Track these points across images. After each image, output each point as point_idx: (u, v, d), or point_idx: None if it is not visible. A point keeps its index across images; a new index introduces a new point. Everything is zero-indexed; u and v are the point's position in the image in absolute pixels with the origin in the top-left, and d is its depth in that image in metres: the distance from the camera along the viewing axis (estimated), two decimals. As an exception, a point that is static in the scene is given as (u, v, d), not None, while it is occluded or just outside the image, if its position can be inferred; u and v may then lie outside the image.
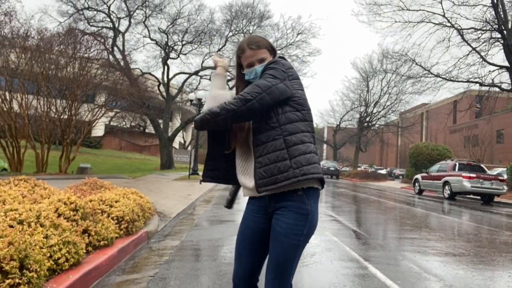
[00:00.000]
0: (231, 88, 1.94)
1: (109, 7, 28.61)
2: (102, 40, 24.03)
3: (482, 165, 18.42)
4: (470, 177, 16.10)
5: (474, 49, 19.37)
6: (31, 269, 2.62)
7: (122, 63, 26.90)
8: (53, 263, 3.08)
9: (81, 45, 19.28)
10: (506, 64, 18.78)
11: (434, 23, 20.24)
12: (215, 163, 2.01)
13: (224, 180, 2.03)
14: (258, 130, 1.84)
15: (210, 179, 2.03)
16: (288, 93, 1.81)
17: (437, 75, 21.02)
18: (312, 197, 1.85)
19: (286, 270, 1.81)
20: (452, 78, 20.51)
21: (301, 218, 1.80)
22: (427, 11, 20.13)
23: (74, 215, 3.99)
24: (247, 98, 1.73)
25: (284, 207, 1.82)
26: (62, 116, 17.62)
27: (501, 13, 18.09)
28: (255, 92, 1.74)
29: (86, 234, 3.96)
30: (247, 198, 2.02)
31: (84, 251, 3.64)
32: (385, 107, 42.43)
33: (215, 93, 1.93)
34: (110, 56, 26.16)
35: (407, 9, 20.59)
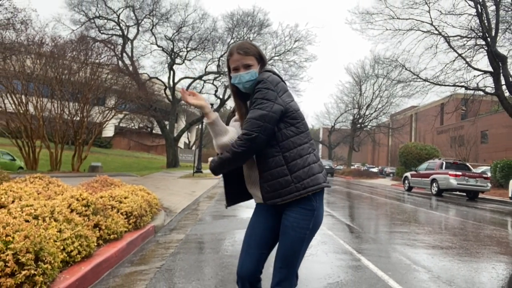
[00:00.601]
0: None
1: (118, 16, 28.63)
2: (112, 47, 24.05)
3: (467, 164, 18.42)
4: (456, 175, 16.11)
5: (460, 55, 19.35)
6: (45, 261, 2.62)
7: (130, 68, 26.89)
8: (66, 255, 3.08)
9: (92, 51, 19.31)
10: (490, 69, 18.76)
11: (422, 31, 20.22)
12: (232, 187, 2.05)
13: (246, 196, 2.05)
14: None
15: (234, 202, 2.07)
16: (283, 110, 1.79)
17: (426, 80, 21.00)
18: (318, 195, 1.86)
19: (293, 261, 1.85)
20: (439, 82, 20.49)
21: (308, 213, 1.83)
22: (416, 20, 20.13)
23: (86, 211, 3.99)
24: (252, 136, 1.72)
25: (294, 206, 1.84)
26: (74, 118, 17.64)
27: (485, 21, 18.07)
28: (257, 127, 1.72)
29: (97, 228, 3.95)
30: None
31: (95, 244, 3.64)
32: (377, 109, 42.44)
33: (220, 143, 1.85)
34: (120, 62, 26.16)
35: (398, 18, 20.58)
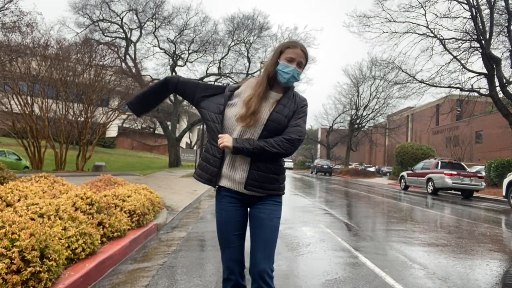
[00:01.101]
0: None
1: (122, 19, 28.64)
2: (116, 49, 24.03)
3: (462, 163, 18.42)
4: (451, 174, 16.11)
5: (455, 57, 19.34)
6: (50, 258, 2.62)
7: (133, 70, 26.90)
8: (70, 252, 3.08)
9: (96, 53, 19.31)
10: (484, 71, 18.75)
11: (418, 34, 20.20)
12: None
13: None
14: (270, 136, 1.89)
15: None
16: None
17: (421, 81, 20.98)
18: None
19: (272, 249, 1.93)
20: (435, 84, 20.47)
21: (279, 205, 1.99)
22: (412, 23, 20.09)
23: (90, 209, 3.99)
24: (298, 143, 1.90)
25: (265, 199, 1.95)
26: (79, 119, 17.63)
27: (480, 24, 18.06)
28: (302, 136, 1.90)
29: (101, 226, 3.95)
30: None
31: (99, 241, 3.64)
32: (374, 110, 42.40)
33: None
34: (123, 64, 26.17)
35: (394, 21, 20.55)
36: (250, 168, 1.88)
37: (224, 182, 1.94)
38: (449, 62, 19.80)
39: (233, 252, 1.97)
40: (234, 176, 1.91)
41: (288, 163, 56.40)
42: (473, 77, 19.72)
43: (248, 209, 2.01)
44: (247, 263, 1.98)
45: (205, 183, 1.97)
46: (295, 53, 1.91)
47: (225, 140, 1.84)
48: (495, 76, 18.31)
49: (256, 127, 1.87)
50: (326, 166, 39.93)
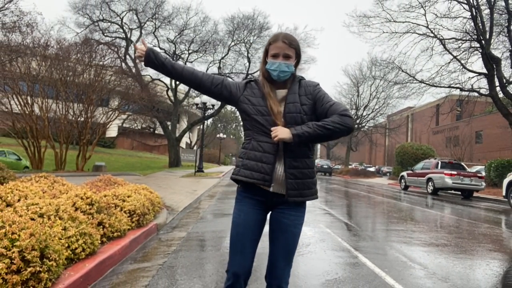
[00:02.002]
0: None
1: (121, 19, 28.64)
2: (116, 49, 24.02)
3: (462, 163, 18.41)
4: (451, 174, 16.10)
5: (455, 57, 19.33)
6: (50, 258, 2.61)
7: (133, 70, 26.89)
8: (70, 252, 3.08)
9: (96, 53, 19.31)
10: (484, 71, 18.75)
11: (418, 34, 20.20)
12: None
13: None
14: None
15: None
16: None
17: (421, 81, 20.98)
18: None
19: (293, 255, 1.90)
20: (435, 84, 20.47)
21: (302, 211, 1.92)
22: (412, 23, 20.09)
23: (90, 209, 3.99)
24: (349, 115, 1.78)
25: (289, 203, 1.87)
26: (79, 119, 17.64)
27: (480, 24, 18.06)
28: (345, 108, 1.81)
29: (101, 226, 3.95)
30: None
31: (99, 241, 3.64)
32: (374, 110, 42.39)
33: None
34: (123, 64, 26.17)
35: (394, 21, 20.55)
36: (286, 178, 1.79)
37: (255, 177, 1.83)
38: (449, 62, 19.81)
39: (245, 258, 1.85)
40: (278, 179, 1.82)
41: None
42: (473, 77, 19.74)
43: (269, 213, 1.93)
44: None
45: (257, 183, 1.82)
46: (277, 48, 1.86)
47: (279, 132, 1.73)
48: (495, 76, 18.31)
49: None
50: (326, 166, 39.92)
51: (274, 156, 1.80)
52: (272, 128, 1.77)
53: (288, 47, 1.87)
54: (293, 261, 1.91)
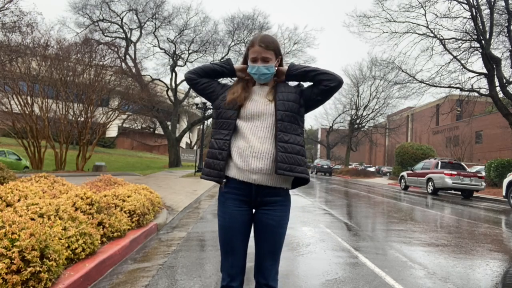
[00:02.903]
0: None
1: (122, 19, 28.65)
2: (116, 49, 24.02)
3: (462, 163, 18.41)
4: (451, 174, 16.10)
5: (455, 57, 19.34)
6: (50, 258, 2.61)
7: (133, 70, 26.90)
8: (70, 252, 3.08)
9: (96, 53, 19.33)
10: (484, 71, 18.75)
11: (418, 34, 20.20)
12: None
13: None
14: (287, 119, 1.85)
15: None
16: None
17: (421, 81, 20.99)
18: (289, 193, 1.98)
19: (279, 254, 1.92)
20: (435, 84, 20.48)
21: (287, 210, 1.93)
22: (412, 23, 20.09)
23: (90, 209, 3.99)
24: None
25: (273, 203, 1.87)
26: (79, 119, 17.64)
27: (480, 24, 18.07)
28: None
29: (101, 226, 3.95)
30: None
31: (99, 241, 3.64)
32: (374, 110, 42.42)
33: None
34: (123, 64, 26.16)
35: (394, 21, 20.56)
36: (277, 151, 1.79)
37: (235, 174, 1.84)
38: (449, 62, 19.82)
39: (236, 259, 1.87)
40: (257, 165, 1.80)
41: None
42: (473, 77, 19.75)
43: (253, 210, 1.92)
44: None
45: (213, 180, 1.87)
46: (254, 52, 1.90)
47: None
48: (495, 76, 18.32)
49: (265, 119, 1.86)
50: (326, 166, 39.94)
51: (227, 152, 1.84)
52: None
53: (265, 50, 1.89)
54: (279, 259, 1.93)
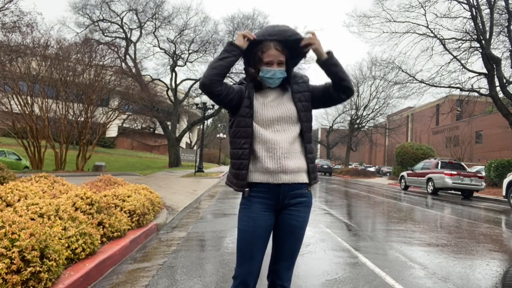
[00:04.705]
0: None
1: (122, 19, 28.64)
2: (116, 49, 24.03)
3: (462, 163, 18.41)
4: (451, 174, 16.10)
5: (455, 57, 19.34)
6: (50, 258, 2.62)
7: (133, 70, 26.89)
8: (70, 252, 3.09)
9: (96, 53, 19.33)
10: (484, 71, 18.75)
11: (418, 34, 20.20)
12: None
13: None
14: (308, 129, 1.91)
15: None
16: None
17: (421, 81, 20.98)
18: None
19: (297, 255, 1.93)
20: (435, 84, 20.48)
21: (309, 211, 1.94)
22: (412, 23, 20.09)
23: (90, 209, 3.99)
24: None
25: (299, 203, 1.88)
26: (79, 119, 17.64)
27: (480, 24, 18.07)
28: None
29: (101, 226, 3.95)
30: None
31: (99, 241, 3.64)
32: (374, 110, 42.39)
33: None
34: (123, 64, 26.16)
35: (394, 21, 20.56)
36: (307, 163, 1.88)
37: (260, 178, 1.82)
38: (449, 62, 19.82)
39: (253, 266, 1.83)
40: (297, 164, 1.83)
41: None
42: (473, 77, 19.74)
43: (277, 213, 1.90)
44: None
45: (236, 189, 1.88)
46: (270, 56, 1.83)
47: (318, 43, 1.86)
48: (495, 76, 18.31)
49: (286, 122, 1.85)
50: (326, 166, 39.92)
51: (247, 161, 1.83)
52: (311, 33, 1.84)
53: (281, 53, 1.85)
54: (295, 262, 1.95)
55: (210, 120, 51.41)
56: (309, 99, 1.92)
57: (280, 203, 1.85)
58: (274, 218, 1.88)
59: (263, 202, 1.84)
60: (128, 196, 5.15)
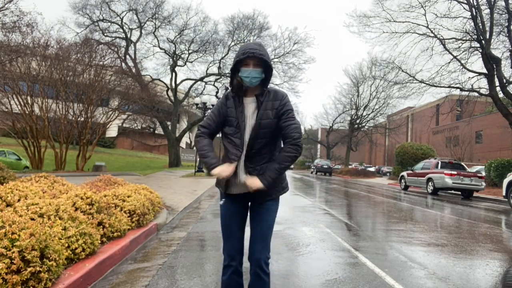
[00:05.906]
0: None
1: (122, 19, 28.67)
2: (116, 49, 24.03)
3: (462, 163, 18.40)
4: (451, 174, 16.10)
5: (455, 57, 19.33)
6: (50, 258, 2.62)
7: (133, 70, 26.90)
8: (70, 252, 3.08)
9: (96, 53, 19.34)
10: (484, 71, 18.75)
11: (418, 34, 20.20)
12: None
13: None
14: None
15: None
16: None
17: (421, 81, 20.97)
18: None
19: (268, 240, 2.19)
20: (435, 84, 20.47)
21: (277, 201, 2.25)
22: (412, 23, 20.09)
23: (90, 209, 3.99)
24: (299, 145, 2.06)
25: (267, 201, 2.19)
26: (79, 119, 17.65)
27: (480, 24, 18.07)
28: (299, 131, 2.09)
29: (101, 226, 3.95)
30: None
31: (99, 241, 3.64)
32: (374, 110, 42.40)
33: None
34: (123, 64, 26.18)
35: (394, 21, 20.55)
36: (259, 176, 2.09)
37: (235, 190, 2.16)
38: (449, 62, 19.81)
39: (234, 241, 2.21)
40: (256, 184, 2.06)
41: None
42: (473, 77, 19.73)
43: (249, 203, 2.23)
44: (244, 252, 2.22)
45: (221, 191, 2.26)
46: (247, 64, 2.08)
47: (253, 184, 2.02)
48: (495, 76, 18.31)
49: (244, 133, 2.09)
50: (326, 166, 39.94)
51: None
52: (246, 182, 2.06)
53: (258, 61, 2.07)
54: (269, 245, 2.18)
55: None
56: (274, 114, 2.09)
57: (252, 199, 2.21)
58: (247, 206, 2.26)
59: (234, 201, 2.23)
60: (128, 196, 5.15)
